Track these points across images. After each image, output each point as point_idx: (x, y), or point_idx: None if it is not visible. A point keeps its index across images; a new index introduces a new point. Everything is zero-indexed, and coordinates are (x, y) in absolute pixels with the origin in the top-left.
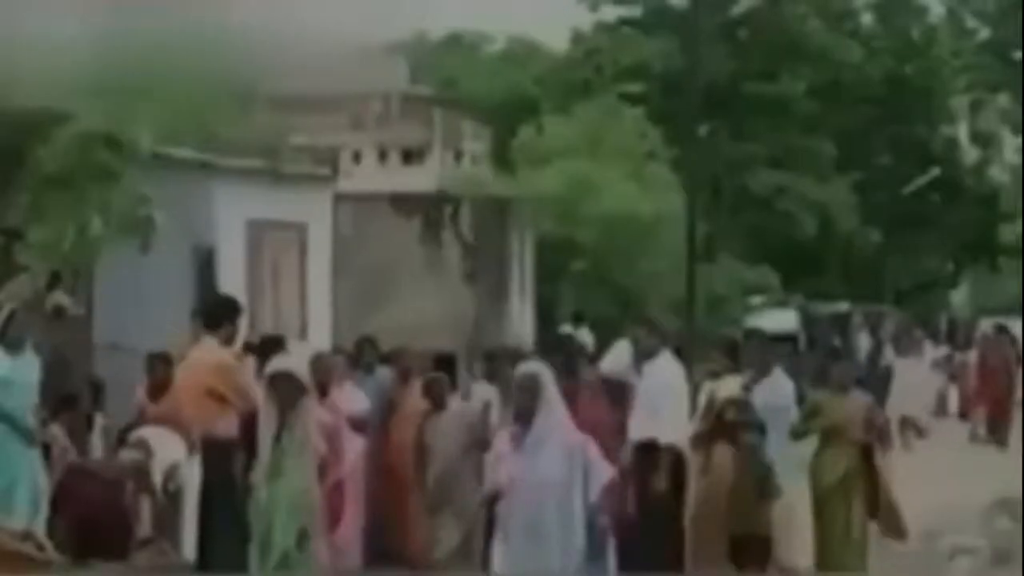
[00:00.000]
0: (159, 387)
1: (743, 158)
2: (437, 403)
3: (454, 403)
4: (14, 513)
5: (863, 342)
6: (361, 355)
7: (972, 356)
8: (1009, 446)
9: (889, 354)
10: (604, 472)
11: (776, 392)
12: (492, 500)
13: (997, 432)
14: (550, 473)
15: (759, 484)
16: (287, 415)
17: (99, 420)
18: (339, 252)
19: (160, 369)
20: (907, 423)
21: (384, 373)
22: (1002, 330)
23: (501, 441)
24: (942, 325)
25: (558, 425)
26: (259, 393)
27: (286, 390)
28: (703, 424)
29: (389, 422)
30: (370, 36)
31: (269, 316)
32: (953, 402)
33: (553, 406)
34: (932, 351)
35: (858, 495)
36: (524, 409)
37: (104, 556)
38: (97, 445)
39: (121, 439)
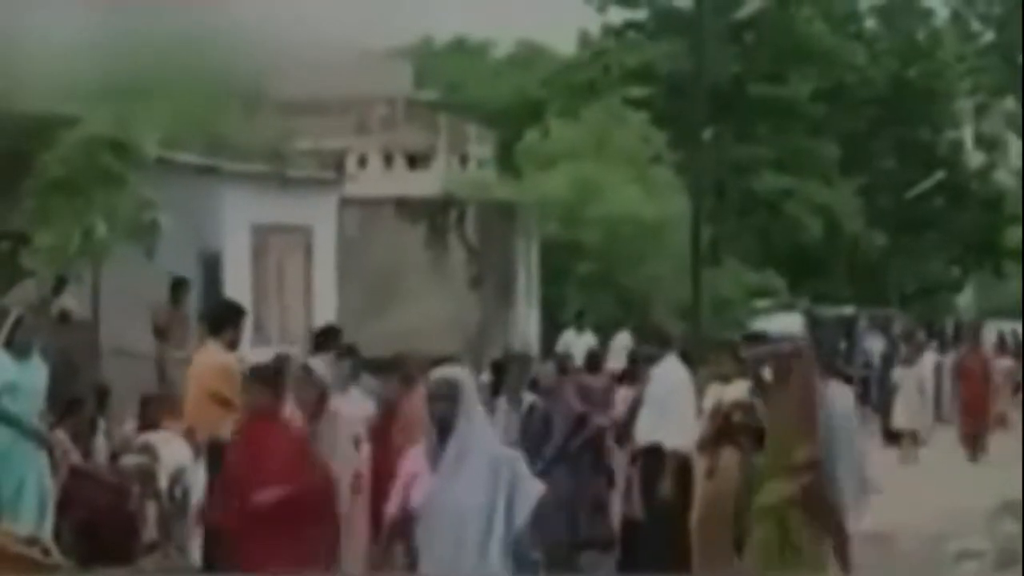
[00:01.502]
0: (149, 427)
1: (748, 161)
2: None
3: None
4: (21, 517)
5: (877, 344)
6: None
7: (948, 360)
8: (987, 454)
9: (904, 354)
10: (533, 491)
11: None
12: (400, 526)
13: (974, 439)
14: (472, 493)
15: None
16: (312, 423)
17: (103, 425)
18: (344, 256)
19: (153, 409)
20: (907, 434)
21: (367, 380)
22: (978, 333)
23: (414, 458)
24: (948, 329)
25: (481, 437)
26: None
27: (310, 393)
28: (709, 427)
29: (391, 429)
30: (375, 40)
31: (275, 320)
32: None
33: (474, 416)
34: (932, 356)
35: (797, 527)
36: (441, 420)
37: (110, 561)
38: (101, 450)
39: (115, 456)
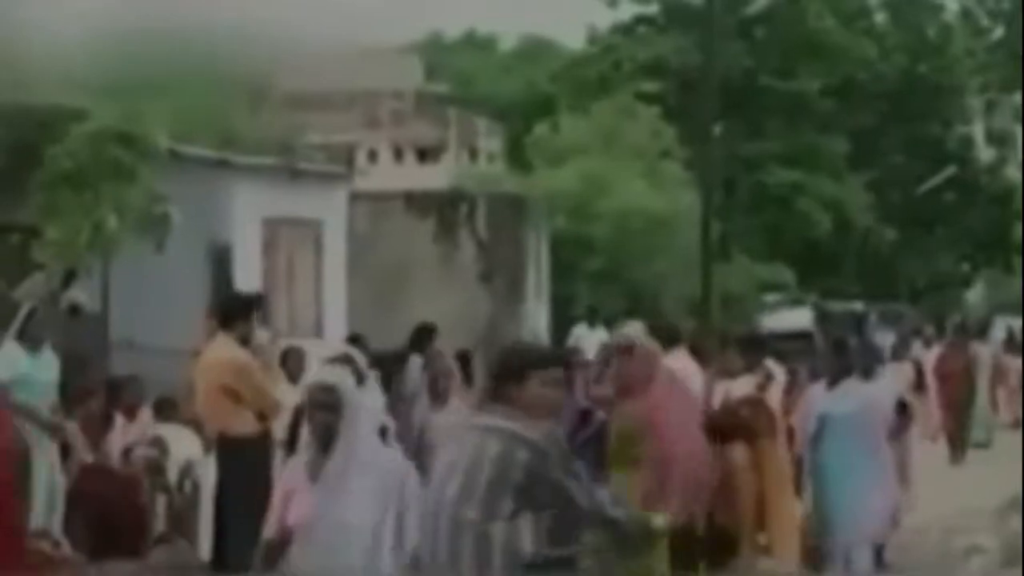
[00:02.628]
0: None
1: (758, 156)
2: (441, 399)
3: (454, 400)
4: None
5: (887, 340)
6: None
7: (931, 356)
8: (964, 460)
9: (916, 349)
10: None
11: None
12: (276, 547)
13: (953, 441)
14: (357, 510)
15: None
16: None
17: (119, 420)
18: (354, 250)
19: (130, 395)
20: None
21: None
22: (964, 331)
23: (291, 472)
24: (957, 324)
25: (366, 448)
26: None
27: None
28: (718, 423)
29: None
30: (385, 35)
31: (284, 314)
32: None
33: (359, 425)
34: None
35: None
36: (321, 430)
37: (119, 554)
38: (116, 444)
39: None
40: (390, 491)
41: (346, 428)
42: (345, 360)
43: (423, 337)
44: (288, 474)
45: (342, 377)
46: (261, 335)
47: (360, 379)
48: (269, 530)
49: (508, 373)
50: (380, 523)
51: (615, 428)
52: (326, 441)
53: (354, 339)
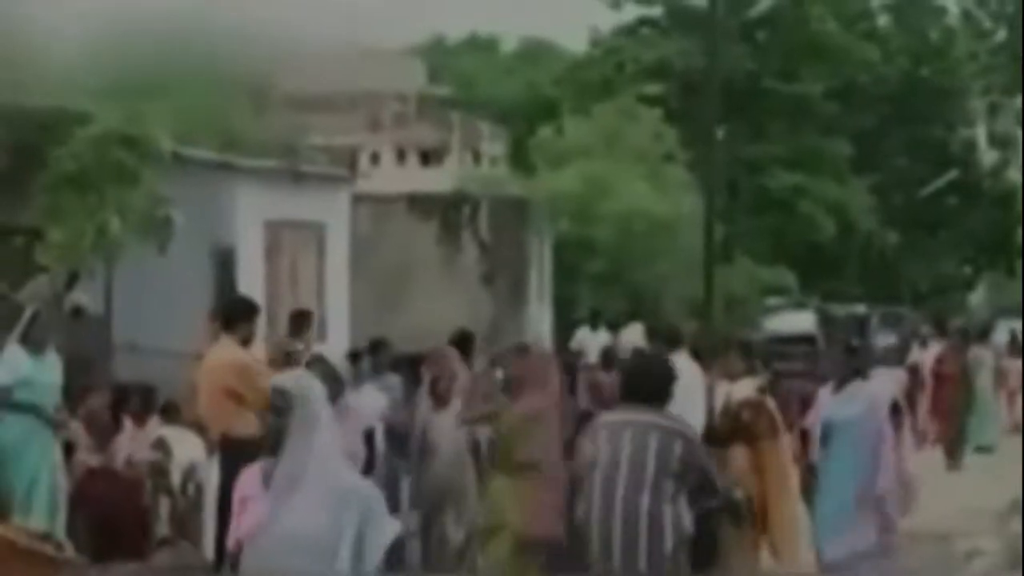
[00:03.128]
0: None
1: (761, 159)
2: (442, 400)
3: (456, 401)
4: (33, 513)
5: (888, 342)
6: (375, 356)
7: (928, 359)
8: (963, 464)
9: (915, 352)
10: (387, 530)
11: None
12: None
13: (949, 447)
14: (306, 523)
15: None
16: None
17: (127, 424)
18: (357, 253)
19: (141, 403)
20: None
21: (393, 379)
22: (966, 335)
23: (246, 480)
24: (959, 327)
25: (320, 461)
26: None
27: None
28: (719, 426)
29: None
30: (388, 38)
31: (287, 316)
32: None
33: (313, 435)
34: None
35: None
36: (274, 434)
37: (123, 556)
38: (123, 450)
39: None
40: (350, 507)
41: (298, 431)
42: (318, 361)
43: (462, 344)
44: (243, 483)
45: (296, 380)
46: (295, 346)
47: (336, 382)
48: (230, 542)
49: (671, 380)
50: (335, 535)
51: (501, 430)
52: (279, 445)
53: (378, 344)
